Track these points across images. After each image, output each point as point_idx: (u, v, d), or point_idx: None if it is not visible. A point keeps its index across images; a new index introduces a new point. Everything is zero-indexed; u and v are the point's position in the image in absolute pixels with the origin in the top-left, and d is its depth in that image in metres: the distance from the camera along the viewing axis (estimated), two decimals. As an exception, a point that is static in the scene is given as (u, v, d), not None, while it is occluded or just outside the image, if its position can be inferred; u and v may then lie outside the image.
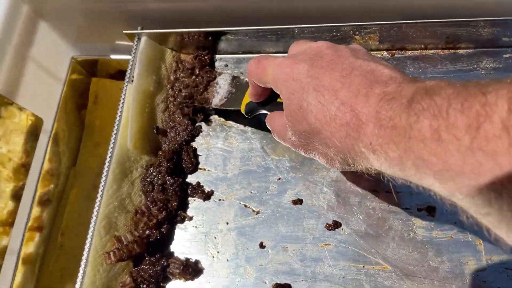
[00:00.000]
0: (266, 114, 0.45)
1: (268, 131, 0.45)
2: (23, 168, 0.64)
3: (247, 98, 0.46)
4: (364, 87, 0.30)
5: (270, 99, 0.44)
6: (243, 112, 0.47)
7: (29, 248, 0.63)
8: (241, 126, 0.52)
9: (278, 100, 0.43)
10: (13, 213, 0.61)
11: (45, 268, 0.60)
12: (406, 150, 0.25)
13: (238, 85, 0.50)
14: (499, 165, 0.20)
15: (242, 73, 0.55)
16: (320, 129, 0.33)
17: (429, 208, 0.44)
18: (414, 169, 0.25)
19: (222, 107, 0.50)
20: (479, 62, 0.48)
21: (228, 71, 0.54)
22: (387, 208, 0.45)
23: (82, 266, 0.45)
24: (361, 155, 0.30)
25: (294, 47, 0.39)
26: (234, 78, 0.50)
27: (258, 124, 0.51)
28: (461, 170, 0.22)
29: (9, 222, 0.61)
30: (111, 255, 0.45)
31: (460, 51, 0.49)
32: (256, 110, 0.46)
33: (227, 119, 0.53)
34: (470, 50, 0.49)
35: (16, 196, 0.62)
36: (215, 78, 0.52)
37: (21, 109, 0.63)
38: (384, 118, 0.27)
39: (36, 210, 0.64)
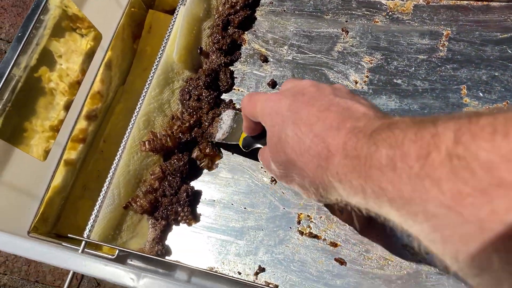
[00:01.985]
0: (260, 147, 0.46)
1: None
2: (78, 85, 0.71)
3: (244, 133, 0.48)
4: (337, 122, 0.31)
5: (264, 133, 0.43)
6: (240, 146, 0.49)
7: (72, 155, 0.70)
8: (277, 56, 0.57)
9: None
10: (63, 122, 0.68)
11: (84, 168, 0.66)
12: (366, 178, 0.26)
13: (239, 120, 0.51)
14: (441, 191, 0.21)
15: (284, 10, 0.59)
16: (295, 160, 0.34)
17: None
18: (373, 197, 0.26)
19: (223, 141, 0.51)
20: (510, 14, 0.50)
21: (230, 109, 0.53)
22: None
23: (120, 151, 0.51)
24: (330, 184, 0.31)
25: (285, 84, 0.41)
26: (236, 114, 0.52)
27: (290, 58, 0.55)
28: (411, 197, 0.23)
29: (58, 129, 0.68)
30: (146, 144, 0.51)
31: (493, 4, 0.51)
32: (252, 144, 0.48)
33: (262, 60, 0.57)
34: (502, 3, 0.51)
35: (67, 108, 0.69)
36: (220, 114, 0.54)
37: (82, 35, 0.70)
38: (349, 148, 0.28)
39: (82, 123, 0.71)
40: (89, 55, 0.72)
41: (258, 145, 0.47)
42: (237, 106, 0.55)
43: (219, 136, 0.51)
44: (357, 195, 0.28)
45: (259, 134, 0.46)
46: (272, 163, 0.39)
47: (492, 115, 0.21)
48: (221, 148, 0.53)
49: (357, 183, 0.27)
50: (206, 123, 0.53)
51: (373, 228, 0.44)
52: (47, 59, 0.64)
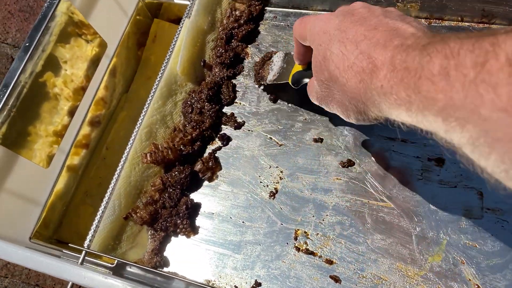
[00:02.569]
0: None
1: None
2: (82, 91, 0.72)
3: (294, 70, 0.50)
4: (384, 40, 0.31)
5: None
6: (290, 83, 0.50)
7: (75, 160, 0.71)
8: (279, 70, 0.57)
9: None
10: (66, 127, 0.69)
11: (86, 175, 0.67)
12: (415, 89, 0.26)
13: (289, 61, 0.52)
14: (497, 94, 0.21)
15: (288, 25, 0.60)
16: (337, 76, 0.35)
17: (438, 159, 0.47)
18: (420, 108, 0.26)
19: (274, 82, 0.53)
20: (510, 38, 0.51)
21: (275, 50, 0.57)
22: (400, 155, 0.48)
23: (122, 162, 0.52)
24: (372, 99, 0.31)
25: (337, 10, 0.42)
26: (286, 54, 0.53)
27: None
28: (462, 104, 0.23)
29: (62, 134, 0.69)
30: (148, 156, 0.52)
31: (494, 26, 0.52)
32: (301, 80, 0.49)
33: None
34: (504, 26, 0.52)
35: (71, 113, 0.70)
36: (271, 57, 0.55)
37: (88, 41, 0.71)
38: (398, 62, 0.28)
39: (85, 129, 0.72)
40: (94, 62, 0.72)
41: (307, 80, 0.48)
42: (239, 120, 0.56)
43: (270, 77, 0.53)
44: (400, 108, 0.28)
45: (308, 65, 0.47)
46: (316, 82, 0.39)
47: None
48: (221, 162, 0.54)
49: (404, 95, 0.28)
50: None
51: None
52: (52, 64, 0.65)
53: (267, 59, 0.55)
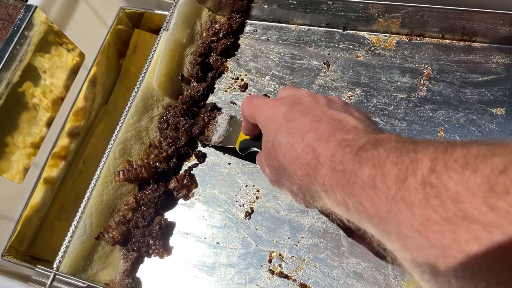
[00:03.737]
0: (257, 151, 0.47)
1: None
2: (61, 101, 0.70)
3: (242, 137, 0.49)
4: (327, 133, 0.32)
5: (261, 136, 0.44)
6: (237, 149, 0.49)
7: (53, 172, 0.69)
8: (258, 85, 0.56)
9: None
10: (44, 139, 0.68)
11: (63, 188, 0.66)
12: (349, 194, 0.28)
13: (234, 124, 0.52)
14: (413, 215, 0.22)
15: (268, 39, 0.59)
16: (286, 166, 0.36)
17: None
18: (355, 212, 0.28)
19: (220, 145, 0.52)
20: (491, 57, 0.50)
21: (225, 112, 0.54)
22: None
23: (94, 180, 0.51)
24: (316, 193, 0.32)
25: (282, 91, 0.42)
26: (232, 117, 0.53)
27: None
28: (387, 217, 0.24)
29: (39, 146, 0.67)
30: (120, 173, 0.50)
31: (475, 44, 0.51)
32: (249, 148, 0.49)
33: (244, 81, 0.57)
34: (485, 44, 0.51)
35: (49, 124, 0.69)
36: (215, 117, 0.54)
37: (69, 50, 0.69)
38: (336, 161, 0.30)
39: (64, 141, 0.71)
40: (74, 71, 0.71)
41: (255, 149, 0.48)
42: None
43: (215, 139, 0.52)
44: (340, 207, 0.29)
45: (256, 136, 0.47)
46: (266, 167, 0.40)
47: (466, 147, 0.22)
48: (197, 179, 0.53)
49: (340, 197, 0.29)
50: (201, 125, 0.54)
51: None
52: (31, 74, 0.64)
53: (211, 118, 0.54)
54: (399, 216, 0.23)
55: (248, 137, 0.48)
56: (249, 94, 0.56)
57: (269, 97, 0.55)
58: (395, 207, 0.24)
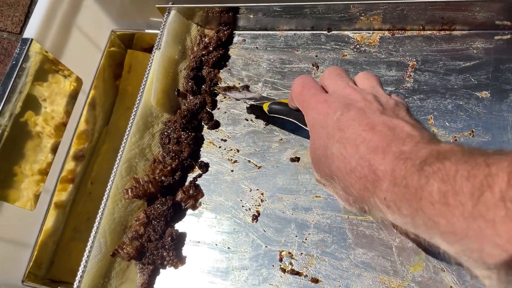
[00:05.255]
0: (285, 120, 0.48)
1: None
2: (63, 127, 0.72)
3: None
4: (383, 144, 0.31)
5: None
6: (265, 110, 0.50)
7: (62, 196, 0.71)
8: (256, 96, 0.58)
9: None
10: (51, 165, 0.70)
11: (74, 210, 0.68)
12: (417, 210, 0.27)
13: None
14: (497, 233, 0.22)
15: (257, 47, 0.61)
16: (341, 178, 0.35)
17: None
18: (424, 228, 0.27)
19: (249, 98, 0.54)
20: (471, 43, 0.52)
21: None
22: (374, 168, 0.49)
23: (104, 200, 0.53)
24: (376, 207, 0.32)
25: (329, 79, 0.40)
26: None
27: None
28: (466, 234, 0.24)
29: (47, 172, 0.69)
30: (129, 191, 0.52)
31: (455, 33, 0.53)
32: (281, 112, 0.49)
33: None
34: (464, 32, 0.53)
35: (54, 150, 0.71)
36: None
37: (65, 76, 0.71)
38: (398, 176, 0.29)
39: (70, 164, 0.73)
40: (73, 96, 0.73)
41: (286, 118, 0.48)
42: (217, 144, 0.56)
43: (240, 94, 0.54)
44: (407, 223, 0.29)
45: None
46: (315, 171, 0.39)
47: None
48: (202, 189, 0.55)
49: (407, 212, 0.28)
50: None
51: None
52: (31, 104, 0.66)
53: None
54: (479, 233, 0.23)
55: (285, 101, 0.48)
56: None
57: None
58: (474, 225, 0.23)
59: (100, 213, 0.52)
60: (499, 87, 0.49)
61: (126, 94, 0.73)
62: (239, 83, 0.59)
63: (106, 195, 0.53)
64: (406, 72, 0.53)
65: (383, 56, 0.55)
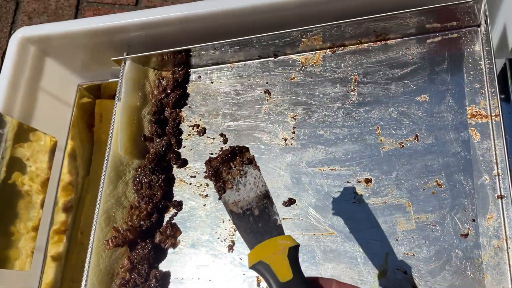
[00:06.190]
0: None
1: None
2: (48, 182, 0.76)
3: (266, 252, 0.36)
4: None
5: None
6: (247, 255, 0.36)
7: (59, 248, 0.75)
8: (214, 126, 0.61)
9: None
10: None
11: (69, 262, 0.71)
12: None
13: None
14: None
15: (212, 82, 0.64)
16: None
17: (366, 179, 0.51)
18: None
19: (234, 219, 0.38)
20: (406, 49, 0.55)
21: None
22: (332, 183, 0.52)
23: (89, 253, 0.56)
24: None
25: None
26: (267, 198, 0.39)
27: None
28: None
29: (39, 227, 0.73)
30: (109, 242, 0.55)
31: (390, 42, 0.56)
32: (265, 275, 0.35)
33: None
34: (398, 40, 0.55)
35: (43, 205, 0.74)
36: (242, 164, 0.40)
37: (45, 133, 0.75)
38: None
39: (61, 216, 0.76)
40: (53, 151, 0.76)
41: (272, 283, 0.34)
42: (188, 181, 0.59)
43: (230, 199, 0.38)
44: None
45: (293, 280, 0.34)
46: None
47: None
48: (179, 226, 0.58)
49: None
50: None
51: None
52: (16, 164, 0.69)
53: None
54: None
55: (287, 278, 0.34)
56: (208, 137, 0.60)
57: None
58: None
59: (87, 266, 0.55)
60: (436, 89, 0.52)
61: (101, 142, 0.77)
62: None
63: (90, 248, 0.56)
64: (350, 86, 0.56)
65: (327, 74, 0.57)
